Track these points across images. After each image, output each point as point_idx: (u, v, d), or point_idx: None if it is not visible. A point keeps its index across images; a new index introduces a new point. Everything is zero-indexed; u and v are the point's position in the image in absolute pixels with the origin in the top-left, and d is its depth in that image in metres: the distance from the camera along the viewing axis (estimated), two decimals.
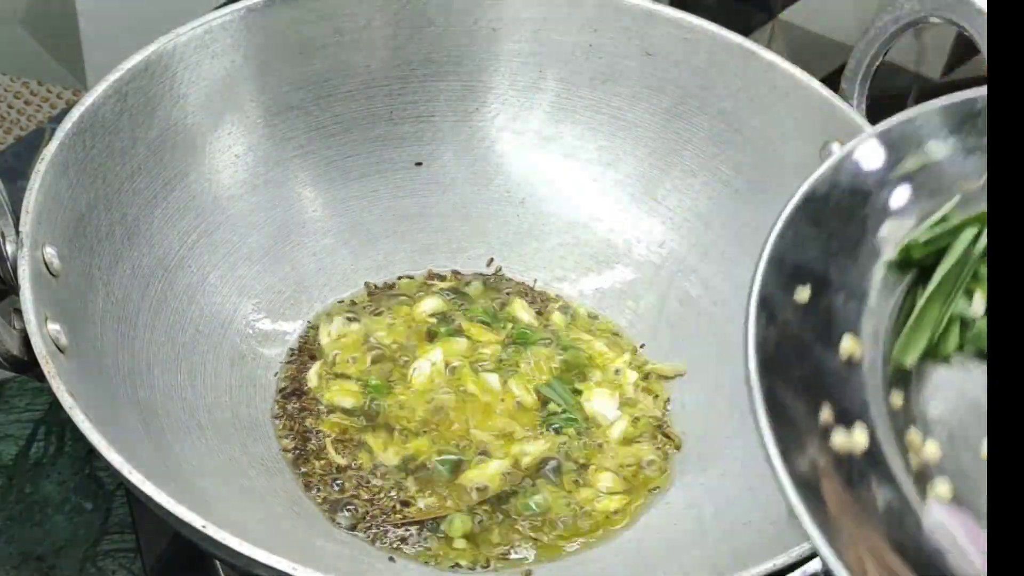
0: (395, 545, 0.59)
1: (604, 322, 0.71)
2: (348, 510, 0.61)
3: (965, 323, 0.43)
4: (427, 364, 0.66)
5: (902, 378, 0.42)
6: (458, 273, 0.72)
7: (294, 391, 0.65)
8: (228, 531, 0.47)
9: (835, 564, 0.35)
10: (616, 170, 0.73)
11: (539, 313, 0.70)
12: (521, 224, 0.73)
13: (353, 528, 0.60)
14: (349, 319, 0.69)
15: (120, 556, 0.64)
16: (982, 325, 0.43)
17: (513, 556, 0.60)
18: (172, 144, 0.65)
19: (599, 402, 0.66)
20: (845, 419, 0.39)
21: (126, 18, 0.98)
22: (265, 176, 0.70)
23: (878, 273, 0.44)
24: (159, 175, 0.65)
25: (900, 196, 0.45)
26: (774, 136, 0.68)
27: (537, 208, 0.73)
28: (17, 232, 0.55)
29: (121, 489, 0.67)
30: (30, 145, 0.83)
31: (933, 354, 0.43)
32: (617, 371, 0.68)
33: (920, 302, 0.43)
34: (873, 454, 0.39)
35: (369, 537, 0.60)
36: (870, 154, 0.46)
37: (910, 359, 0.42)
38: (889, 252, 0.44)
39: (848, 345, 0.41)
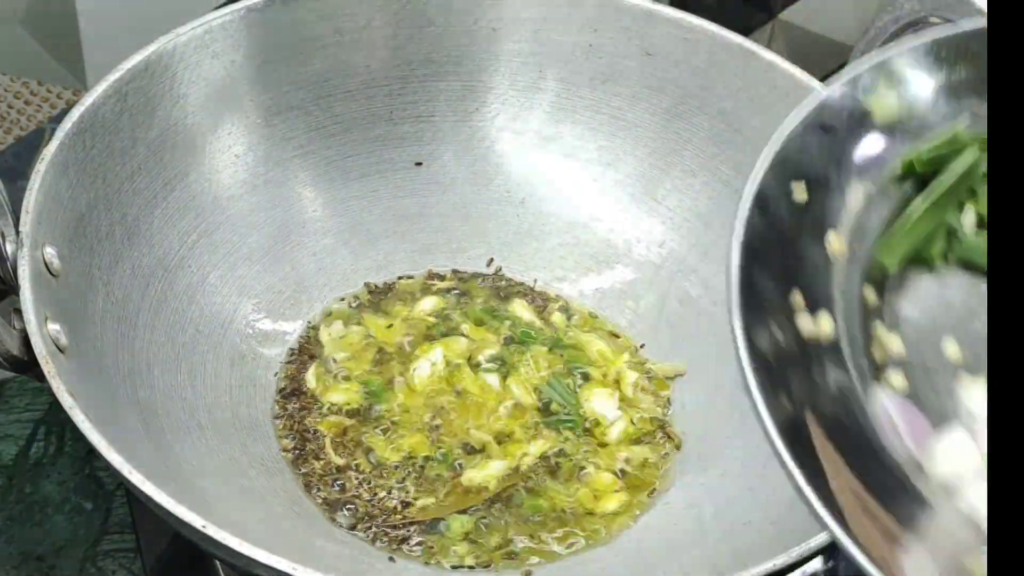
0: (395, 545, 0.59)
1: (604, 322, 0.71)
2: (348, 510, 0.61)
3: (954, 234, 0.44)
4: (427, 364, 0.66)
5: (881, 278, 0.44)
6: (458, 273, 0.72)
7: (294, 391, 0.65)
8: (228, 531, 0.47)
9: (773, 431, 0.37)
10: (616, 170, 0.73)
11: (539, 313, 0.70)
12: (521, 224, 0.73)
13: (353, 528, 0.60)
14: (349, 319, 0.69)
15: (120, 556, 0.64)
16: (970, 239, 0.44)
17: (513, 556, 0.60)
18: (172, 144, 0.65)
19: (599, 402, 0.66)
20: (815, 307, 0.41)
21: (126, 18, 0.98)
22: (265, 176, 0.70)
23: (878, 183, 0.45)
24: (159, 175, 0.65)
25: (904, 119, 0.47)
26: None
27: (537, 208, 0.73)
28: (17, 232, 0.55)
29: (121, 489, 0.67)
30: (30, 145, 0.83)
31: (917, 260, 0.44)
32: (617, 371, 0.68)
33: (911, 210, 0.44)
34: (836, 342, 0.41)
35: (369, 537, 0.60)
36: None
37: (891, 261, 0.44)
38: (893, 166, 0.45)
39: (833, 241, 0.43)
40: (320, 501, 0.61)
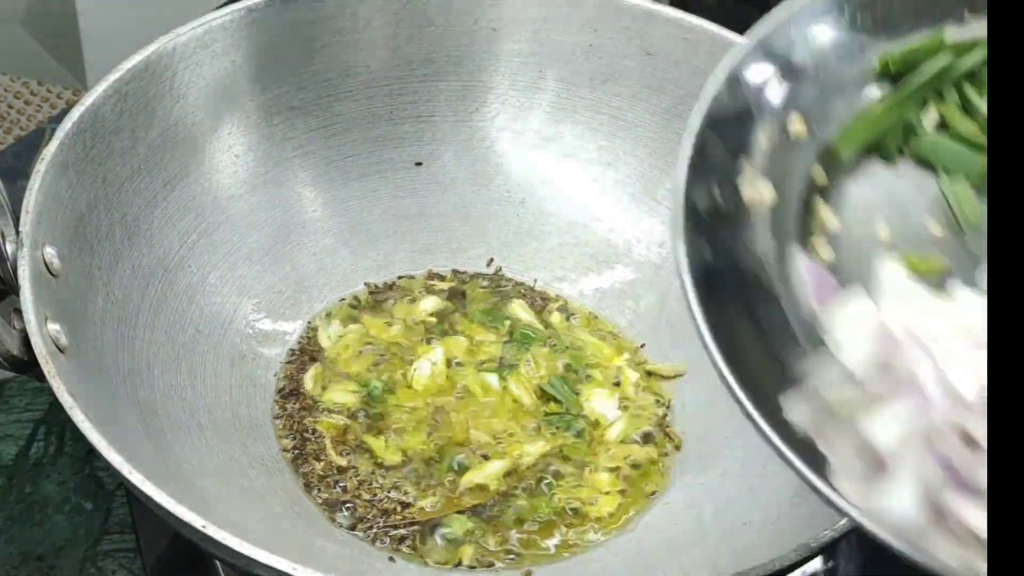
0: (395, 545, 0.59)
1: (604, 322, 0.70)
2: (348, 510, 0.61)
3: (912, 131, 0.46)
4: (427, 364, 0.66)
5: (833, 161, 0.45)
6: (458, 273, 0.72)
7: (294, 391, 0.65)
8: (228, 531, 0.47)
9: (687, 276, 0.40)
10: (616, 170, 0.73)
11: (539, 313, 0.70)
12: (521, 224, 0.73)
13: (353, 528, 0.60)
14: (349, 319, 0.69)
15: (120, 556, 0.64)
16: (927, 136, 0.46)
17: (513, 556, 0.60)
18: (172, 144, 0.65)
19: (599, 402, 0.66)
20: (761, 175, 0.43)
21: (126, 18, 0.98)
22: (265, 176, 0.70)
23: (850, 79, 0.47)
24: (159, 175, 0.65)
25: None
26: None
27: (537, 208, 0.73)
28: (17, 232, 0.55)
29: (121, 489, 0.67)
30: (30, 145, 0.83)
31: (874, 150, 0.46)
32: (617, 371, 0.68)
33: (876, 104, 0.46)
34: (773, 210, 0.43)
35: (369, 537, 0.60)
36: None
37: (848, 148, 0.45)
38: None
39: (795, 122, 0.45)
40: (320, 501, 0.61)
